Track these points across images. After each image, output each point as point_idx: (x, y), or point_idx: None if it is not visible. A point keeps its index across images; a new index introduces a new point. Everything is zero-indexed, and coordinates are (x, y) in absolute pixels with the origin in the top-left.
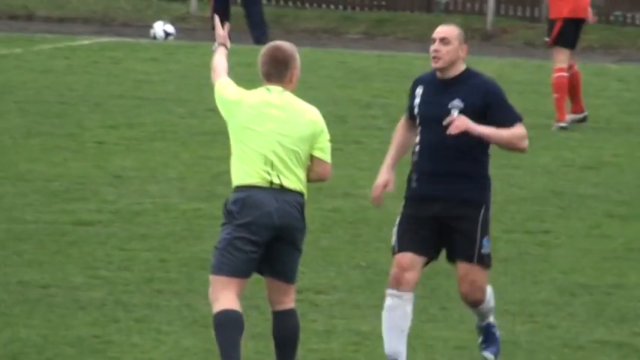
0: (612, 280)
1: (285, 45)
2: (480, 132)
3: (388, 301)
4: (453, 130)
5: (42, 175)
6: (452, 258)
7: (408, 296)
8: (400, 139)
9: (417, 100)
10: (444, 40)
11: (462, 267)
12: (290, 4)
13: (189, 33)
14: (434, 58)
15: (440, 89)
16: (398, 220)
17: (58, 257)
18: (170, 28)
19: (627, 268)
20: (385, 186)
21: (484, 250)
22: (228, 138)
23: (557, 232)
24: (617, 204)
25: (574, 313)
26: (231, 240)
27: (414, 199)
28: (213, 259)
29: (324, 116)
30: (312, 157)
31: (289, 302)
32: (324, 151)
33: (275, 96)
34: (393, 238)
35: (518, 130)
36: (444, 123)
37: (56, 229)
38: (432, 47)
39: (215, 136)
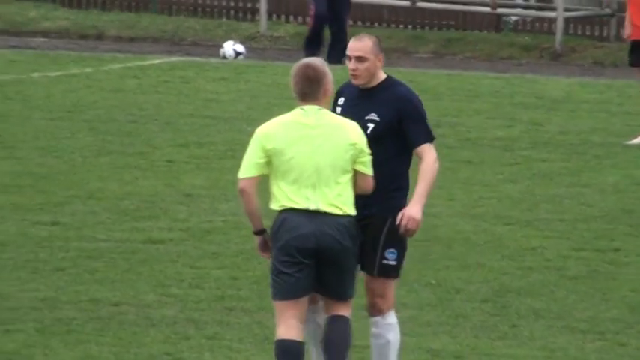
0: None
1: (316, 62)
2: (422, 205)
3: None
4: (410, 234)
5: (112, 193)
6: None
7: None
8: None
9: (339, 111)
10: (360, 59)
11: (365, 277)
12: (359, 23)
13: (259, 52)
14: (352, 76)
15: (360, 100)
16: None
17: (130, 275)
18: (240, 48)
19: None
20: None
21: (386, 262)
22: None
23: (627, 250)
24: None
25: None
26: (276, 264)
27: None
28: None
29: None
30: (354, 172)
31: (342, 312)
32: (365, 165)
33: (311, 117)
34: None
35: (430, 165)
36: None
37: (127, 247)
38: (349, 65)
39: None
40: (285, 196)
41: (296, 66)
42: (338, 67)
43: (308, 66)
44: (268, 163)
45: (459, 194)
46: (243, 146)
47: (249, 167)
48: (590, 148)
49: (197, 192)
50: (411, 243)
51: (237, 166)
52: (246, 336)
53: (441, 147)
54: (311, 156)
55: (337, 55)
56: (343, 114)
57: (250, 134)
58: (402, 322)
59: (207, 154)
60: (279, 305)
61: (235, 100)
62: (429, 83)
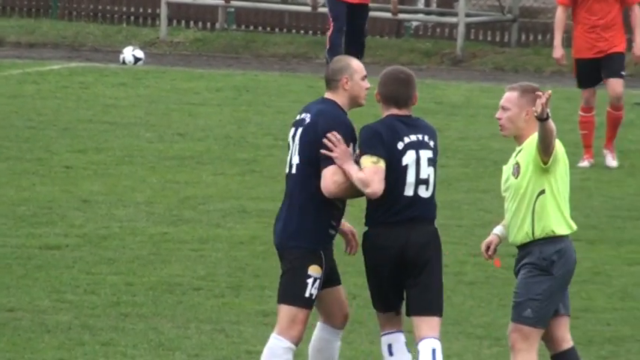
0: (579, 303)
1: None
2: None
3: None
4: None
5: (9, 199)
6: None
7: None
8: None
9: None
10: None
11: None
12: (260, 29)
13: (159, 58)
14: None
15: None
16: None
17: (25, 281)
18: (139, 53)
19: (594, 291)
20: None
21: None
22: (195, 162)
23: None
24: (585, 228)
25: None
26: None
27: None
28: None
29: None
30: None
31: None
32: None
33: None
34: None
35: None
36: None
37: (23, 253)
38: None
39: (183, 160)
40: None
41: (538, 88)
42: None
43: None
44: None
45: (358, 199)
46: (141, 152)
47: None
48: (490, 153)
49: (94, 198)
50: None
51: (135, 172)
52: (141, 342)
53: None
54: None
55: None
56: None
57: (148, 140)
58: None
59: (105, 160)
60: (538, 333)
61: (134, 106)
62: None
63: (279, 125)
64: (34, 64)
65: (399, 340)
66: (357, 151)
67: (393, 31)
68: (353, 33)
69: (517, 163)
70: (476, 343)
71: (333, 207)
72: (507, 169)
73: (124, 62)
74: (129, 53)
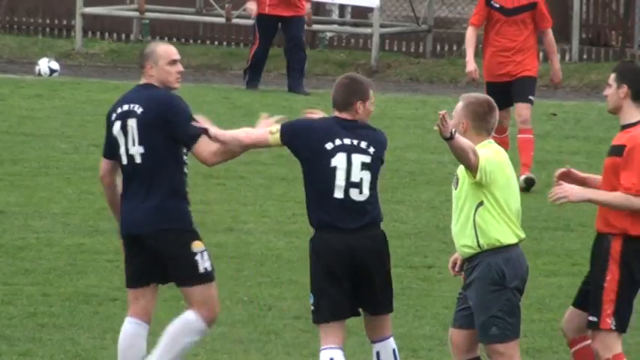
0: None
1: None
2: None
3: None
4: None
5: None
6: None
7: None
8: None
9: None
10: None
11: None
12: (175, 40)
13: (74, 69)
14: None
15: None
16: None
17: None
18: (55, 65)
19: None
20: None
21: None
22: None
23: (441, 267)
24: None
25: None
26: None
27: None
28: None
29: None
30: None
31: None
32: None
33: None
34: None
35: None
36: None
37: None
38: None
39: (97, 171)
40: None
41: (487, 101)
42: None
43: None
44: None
45: (273, 211)
46: (57, 163)
47: None
48: (405, 164)
49: (10, 209)
50: (223, 260)
51: (51, 183)
52: (58, 352)
53: (255, 163)
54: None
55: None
56: None
57: (64, 151)
58: (213, 339)
59: (21, 171)
60: (513, 345)
61: (50, 117)
62: (244, 100)
63: None
64: None
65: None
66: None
67: (308, 42)
68: (292, 47)
69: (456, 175)
70: None
71: (184, 184)
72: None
73: (39, 74)
74: (44, 65)
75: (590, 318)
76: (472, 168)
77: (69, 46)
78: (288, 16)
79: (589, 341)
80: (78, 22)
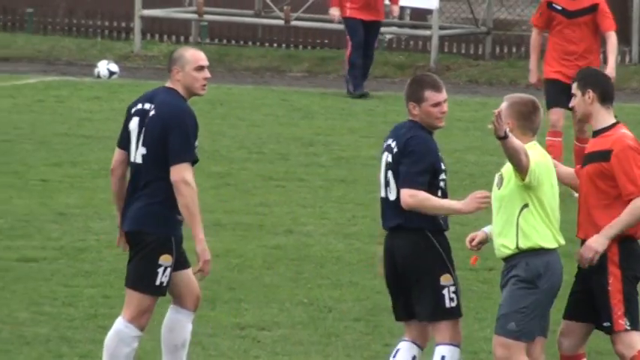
0: (558, 317)
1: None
2: None
3: None
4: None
5: None
6: None
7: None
8: None
9: None
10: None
11: None
12: (233, 42)
13: (133, 71)
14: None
15: None
16: None
17: (3, 293)
18: (114, 67)
19: None
20: None
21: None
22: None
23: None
24: (565, 241)
25: None
26: (544, 304)
27: None
28: None
29: (267, 154)
30: None
31: None
32: None
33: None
34: None
35: None
36: None
37: (1, 266)
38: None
39: None
40: (551, 234)
41: (531, 101)
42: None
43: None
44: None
45: (332, 213)
46: None
47: None
48: (465, 166)
49: (71, 211)
50: (282, 262)
51: (110, 185)
52: None
53: (314, 165)
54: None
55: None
56: None
57: None
58: (273, 342)
59: (81, 173)
60: (522, 347)
61: (109, 119)
62: (303, 102)
63: (253, 138)
64: (10, 77)
65: (404, 347)
66: None
67: None
68: (363, 52)
69: (501, 175)
70: None
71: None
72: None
73: (98, 76)
74: (103, 67)
75: (604, 324)
76: (522, 170)
77: (128, 49)
78: (368, 20)
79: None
80: (137, 25)
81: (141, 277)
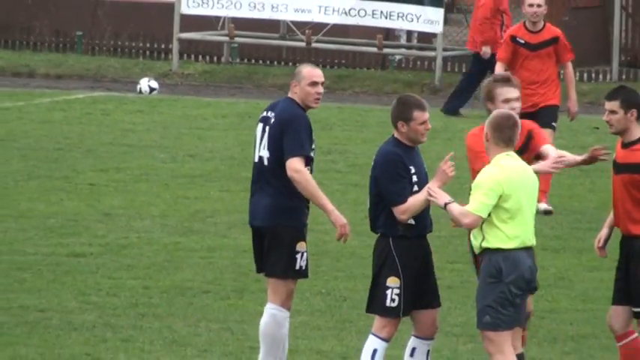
0: (545, 305)
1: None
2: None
3: None
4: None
5: (40, 212)
6: None
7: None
8: None
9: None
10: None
11: None
12: (261, 62)
13: (171, 88)
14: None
15: None
16: None
17: (54, 285)
18: (154, 84)
19: (558, 294)
20: None
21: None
22: (204, 180)
23: None
24: (551, 238)
25: None
26: (508, 297)
27: None
28: None
29: None
30: None
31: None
32: None
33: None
34: None
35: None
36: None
37: (53, 260)
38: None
39: (193, 178)
40: (514, 235)
41: (504, 113)
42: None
43: (512, 116)
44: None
45: (347, 213)
46: (156, 171)
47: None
48: (464, 172)
49: (115, 211)
50: None
51: (150, 189)
52: (157, 339)
53: (331, 171)
54: (529, 198)
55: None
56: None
57: (162, 160)
58: (295, 327)
59: (124, 178)
60: (504, 335)
61: (149, 130)
62: (322, 115)
63: None
64: (62, 93)
65: (413, 343)
66: None
67: (379, 64)
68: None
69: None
70: (453, 340)
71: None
72: None
73: (140, 92)
74: (145, 84)
75: (635, 309)
76: (475, 226)
77: (166, 67)
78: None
79: (635, 335)
80: (175, 46)
81: (284, 266)
